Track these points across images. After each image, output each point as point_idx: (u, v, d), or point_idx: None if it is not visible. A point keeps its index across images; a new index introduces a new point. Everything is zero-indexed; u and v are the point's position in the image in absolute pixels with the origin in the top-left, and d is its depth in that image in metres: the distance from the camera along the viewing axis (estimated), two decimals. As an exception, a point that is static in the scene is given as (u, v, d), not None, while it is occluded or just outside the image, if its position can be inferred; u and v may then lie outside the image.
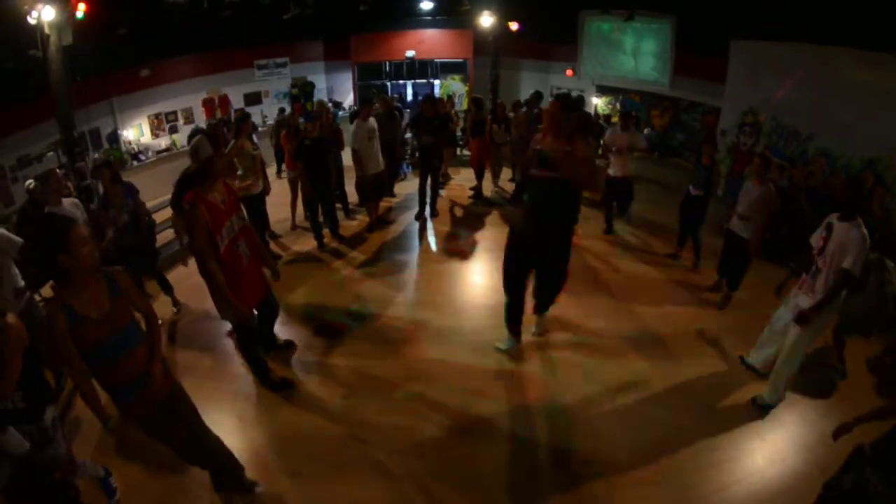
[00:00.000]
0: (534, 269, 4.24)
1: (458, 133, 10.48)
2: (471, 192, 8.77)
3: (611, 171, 6.84)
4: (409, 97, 13.12)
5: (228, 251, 3.41)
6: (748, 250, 5.02)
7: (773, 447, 3.69)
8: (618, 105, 11.70)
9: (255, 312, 3.92)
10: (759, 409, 3.97)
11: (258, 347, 4.18)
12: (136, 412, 2.61)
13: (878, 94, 5.40)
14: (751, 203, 4.89)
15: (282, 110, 10.62)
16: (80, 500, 3.02)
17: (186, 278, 5.52)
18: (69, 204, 4.25)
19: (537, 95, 8.86)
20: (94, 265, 2.40)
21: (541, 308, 4.65)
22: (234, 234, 3.46)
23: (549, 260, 4.12)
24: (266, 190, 6.23)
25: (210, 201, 3.29)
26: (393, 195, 8.59)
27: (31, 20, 5.68)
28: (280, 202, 7.28)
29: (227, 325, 4.71)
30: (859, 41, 5.63)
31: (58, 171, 4.52)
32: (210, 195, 3.32)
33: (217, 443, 3.08)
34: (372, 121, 6.65)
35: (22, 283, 3.65)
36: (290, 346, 4.68)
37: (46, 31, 5.83)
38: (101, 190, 5.01)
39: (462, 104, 12.38)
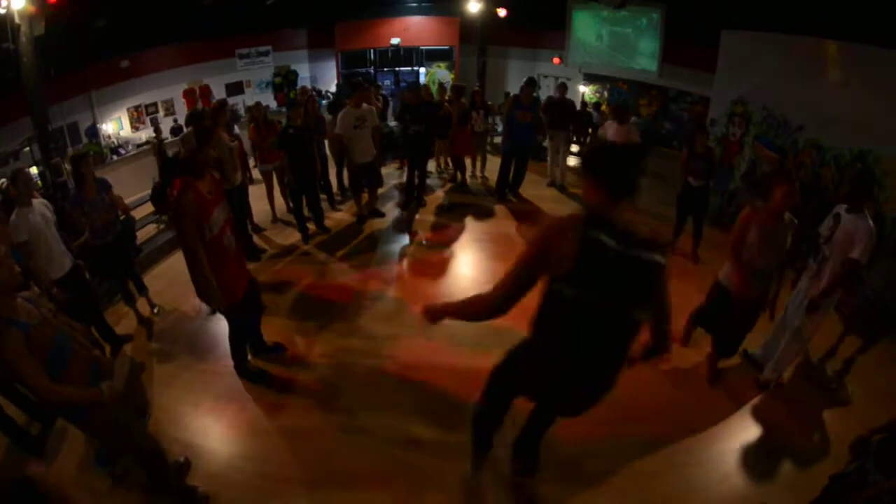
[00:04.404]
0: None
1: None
2: (452, 183, 8.74)
3: None
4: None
5: (216, 242, 3.34)
6: (757, 308, 3.89)
7: (774, 440, 3.69)
8: (605, 93, 11.63)
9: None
10: (761, 388, 4.09)
11: (245, 341, 4.10)
12: None
13: (868, 87, 5.40)
14: (776, 249, 3.64)
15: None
16: None
17: (165, 274, 5.39)
18: (39, 204, 4.09)
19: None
20: (12, 288, 2.30)
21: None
22: (220, 225, 3.38)
23: None
24: (245, 182, 6.07)
25: (199, 190, 3.23)
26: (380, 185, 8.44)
27: (0, 10, 5.45)
28: (257, 195, 7.07)
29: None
30: (850, 34, 5.61)
31: (27, 169, 4.34)
32: (199, 184, 3.26)
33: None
34: (365, 107, 6.42)
35: None
36: (279, 348, 4.52)
37: (17, 20, 5.60)
38: (73, 186, 4.82)
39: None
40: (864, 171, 5.04)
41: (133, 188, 8.05)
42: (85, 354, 2.58)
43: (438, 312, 2.35)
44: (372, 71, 13.01)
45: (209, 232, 3.27)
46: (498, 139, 10.09)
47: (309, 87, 12.03)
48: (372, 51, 12.97)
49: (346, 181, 7.83)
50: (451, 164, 8.83)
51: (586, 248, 1.93)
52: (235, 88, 11.62)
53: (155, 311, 5.19)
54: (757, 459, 3.54)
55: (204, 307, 4.36)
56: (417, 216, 7.45)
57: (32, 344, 2.23)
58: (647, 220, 2.04)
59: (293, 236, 6.75)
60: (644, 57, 10.22)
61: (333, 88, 12.87)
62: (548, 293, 2.09)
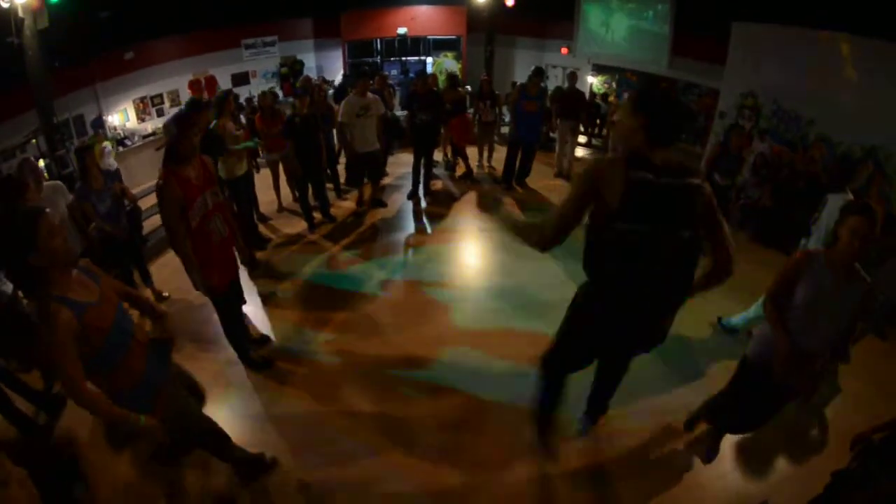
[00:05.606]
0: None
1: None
2: (459, 173, 8.70)
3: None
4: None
5: (199, 227, 3.35)
6: (797, 395, 2.92)
7: (775, 434, 3.61)
8: (614, 84, 11.51)
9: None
10: (723, 329, 4.51)
11: (238, 325, 4.10)
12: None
13: (880, 82, 5.33)
14: (835, 319, 2.56)
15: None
16: None
17: (170, 263, 5.40)
18: (49, 188, 4.07)
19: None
20: (72, 257, 2.14)
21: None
22: (206, 211, 3.37)
23: None
24: (251, 171, 6.07)
25: (182, 176, 3.23)
26: (385, 174, 8.42)
27: (4, 4, 5.44)
28: (263, 185, 7.05)
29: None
30: (862, 28, 5.54)
31: (31, 159, 4.33)
32: (183, 171, 3.26)
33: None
34: (370, 96, 6.37)
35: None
36: (265, 341, 4.53)
37: (20, 14, 5.59)
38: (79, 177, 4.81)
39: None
40: (844, 157, 5.56)
41: (139, 178, 8.09)
42: (144, 338, 2.40)
43: (494, 214, 2.73)
44: (379, 60, 12.93)
45: (193, 219, 3.28)
46: (506, 129, 10.03)
47: (315, 76, 11.96)
48: (378, 40, 12.87)
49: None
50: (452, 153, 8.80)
51: (631, 185, 2.09)
52: (241, 79, 11.58)
53: (164, 294, 5.22)
54: (758, 455, 3.51)
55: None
56: (423, 205, 7.43)
57: (86, 326, 2.05)
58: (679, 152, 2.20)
59: (299, 225, 6.76)
60: (653, 48, 10.09)
61: (340, 78, 12.79)
62: (599, 231, 2.23)
